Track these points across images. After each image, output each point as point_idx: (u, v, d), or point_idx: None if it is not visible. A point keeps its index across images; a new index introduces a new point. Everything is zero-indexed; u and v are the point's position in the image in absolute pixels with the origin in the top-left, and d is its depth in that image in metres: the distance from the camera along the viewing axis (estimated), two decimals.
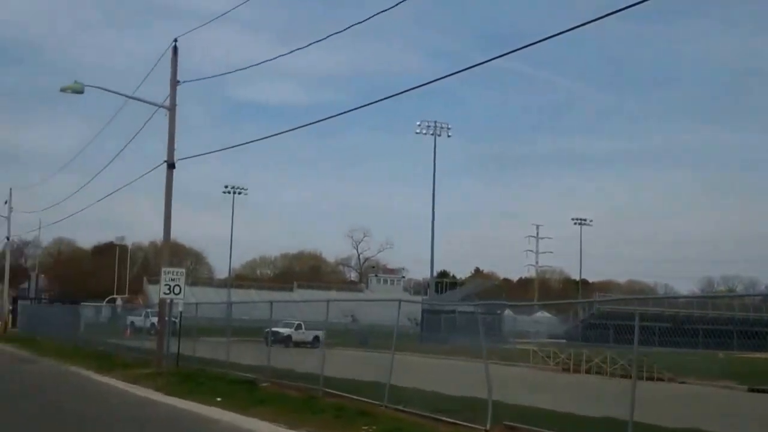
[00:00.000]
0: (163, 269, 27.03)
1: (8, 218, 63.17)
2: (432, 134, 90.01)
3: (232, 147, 29.63)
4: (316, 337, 60.64)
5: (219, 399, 21.35)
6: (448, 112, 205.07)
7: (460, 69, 20.20)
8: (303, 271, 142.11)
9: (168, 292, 26.70)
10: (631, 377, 40.94)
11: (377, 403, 19.49)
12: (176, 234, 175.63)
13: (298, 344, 60.12)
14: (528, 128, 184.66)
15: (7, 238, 63.36)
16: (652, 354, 43.35)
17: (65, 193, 79.98)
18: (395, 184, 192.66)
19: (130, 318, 62.25)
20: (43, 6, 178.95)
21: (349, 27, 19.92)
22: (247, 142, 31.27)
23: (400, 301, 22.71)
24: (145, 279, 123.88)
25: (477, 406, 17.67)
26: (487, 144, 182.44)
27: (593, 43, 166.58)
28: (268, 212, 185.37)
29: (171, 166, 30.89)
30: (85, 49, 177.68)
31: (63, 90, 30.01)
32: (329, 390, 22.07)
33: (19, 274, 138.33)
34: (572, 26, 14.54)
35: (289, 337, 58.16)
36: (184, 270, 27.22)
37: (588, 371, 44.18)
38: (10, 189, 63.43)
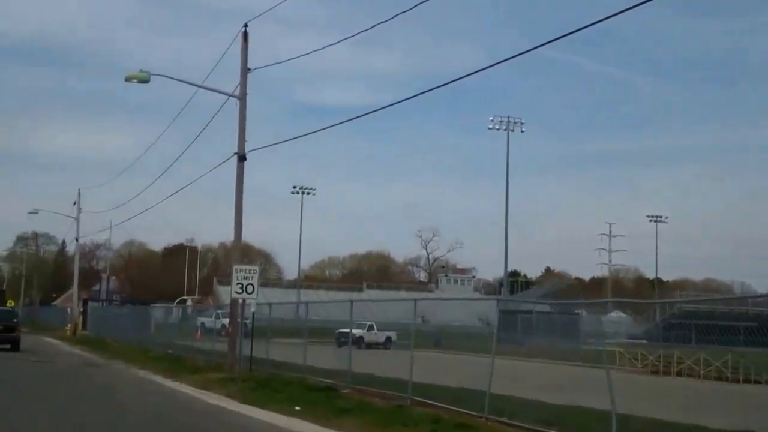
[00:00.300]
0: (235, 267, 25.09)
1: (77, 219, 62.20)
2: (505, 130, 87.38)
3: (305, 135, 27.82)
4: (389, 338, 58.83)
5: (298, 408, 19.29)
6: (522, 109, 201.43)
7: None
8: (371, 272, 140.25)
9: (240, 291, 24.76)
10: (726, 379, 38.00)
11: (475, 414, 17.25)
12: (246, 235, 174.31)
13: (370, 345, 58.30)
14: (601, 124, 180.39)
15: (76, 240, 62.43)
16: (747, 355, 40.63)
17: (134, 195, 79.24)
18: (464, 183, 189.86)
19: (201, 319, 60.96)
20: (102, 10, 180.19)
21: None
22: (317, 131, 29.24)
23: (498, 299, 20.34)
24: (215, 280, 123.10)
25: (593, 419, 15.37)
26: (558, 140, 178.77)
27: (668, 39, 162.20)
28: (336, 213, 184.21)
29: (242, 158, 29.03)
30: (149, 53, 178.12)
31: (128, 79, 28.30)
32: (418, 398, 19.89)
33: (90, 276, 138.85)
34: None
35: (361, 338, 56.42)
36: (257, 267, 25.20)
37: (679, 374, 41.59)
38: (79, 190, 62.59)
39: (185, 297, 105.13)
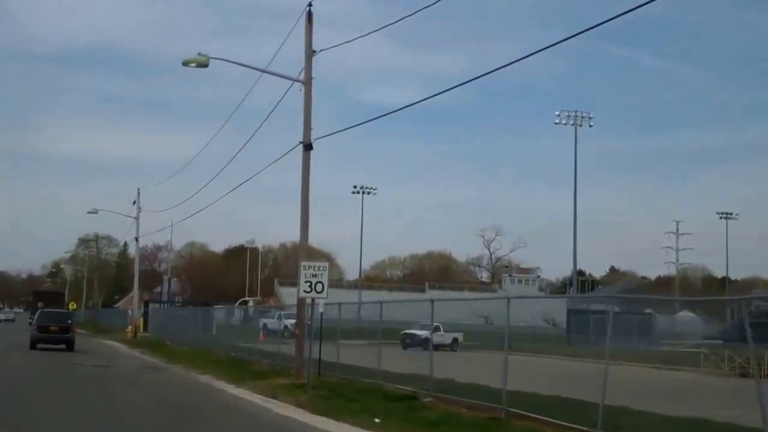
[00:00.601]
0: (303, 263, 22.82)
1: (137, 219, 60.70)
2: (572, 124, 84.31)
3: (373, 119, 25.26)
4: (455, 339, 56.35)
5: (377, 420, 17.02)
6: (587, 107, 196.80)
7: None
8: (432, 272, 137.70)
9: (309, 290, 22.46)
10: None
11: (584, 428, 14.79)
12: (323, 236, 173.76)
13: (437, 347, 55.89)
14: (667, 121, 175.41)
15: (136, 239, 60.88)
16: None
17: (194, 192, 77.80)
18: (527, 181, 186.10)
19: (263, 320, 59.20)
20: (151, 16, 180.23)
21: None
22: (379, 116, 26.65)
23: (612, 296, 17.70)
24: (276, 281, 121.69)
25: None
26: (624, 137, 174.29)
27: (734, 36, 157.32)
28: (396, 213, 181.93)
29: (308, 147, 26.84)
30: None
31: (186, 63, 26.26)
32: (514, 410, 17.45)
33: (152, 278, 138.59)
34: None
35: (426, 339, 54.16)
36: (326, 264, 22.85)
37: None
38: (138, 189, 61.11)
39: (247, 298, 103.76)
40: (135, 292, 64.90)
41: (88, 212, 61.92)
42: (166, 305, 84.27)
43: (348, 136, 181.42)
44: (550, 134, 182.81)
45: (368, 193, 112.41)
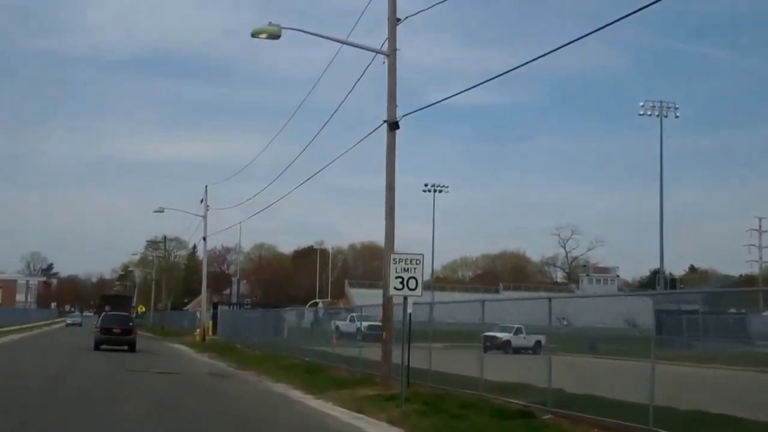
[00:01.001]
0: (392, 255, 19.59)
1: (204, 217, 58.16)
2: (657, 116, 79.87)
3: (459, 93, 21.84)
4: (538, 342, 52.71)
5: None
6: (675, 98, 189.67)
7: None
8: (505, 272, 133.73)
9: (400, 287, 19.24)
10: None
11: None
12: (374, 236, 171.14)
13: (518, 350, 52.53)
14: (749, 116, 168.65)
15: (204, 239, 58.34)
16: None
17: (263, 188, 75.49)
18: (603, 178, 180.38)
19: (335, 323, 56.93)
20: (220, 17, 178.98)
21: None
22: (469, 88, 23.25)
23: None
24: (346, 282, 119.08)
25: None
26: (701, 132, 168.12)
27: None
28: (468, 212, 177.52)
29: (393, 126, 23.63)
30: (272, 59, 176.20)
31: (255, 34, 23.25)
32: (659, 430, 14.03)
33: (221, 280, 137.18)
34: None
35: (507, 342, 50.91)
36: (421, 256, 19.55)
37: None
38: (206, 186, 58.53)
39: (317, 300, 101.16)
40: (203, 293, 62.40)
41: (155, 211, 59.66)
42: (235, 307, 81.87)
43: (417, 134, 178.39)
44: (626, 131, 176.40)
45: (440, 191, 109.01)
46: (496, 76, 21.23)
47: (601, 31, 16.10)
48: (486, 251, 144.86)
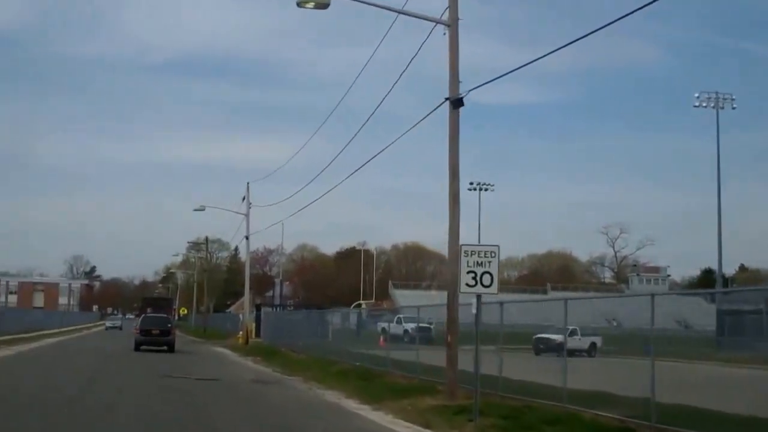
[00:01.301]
0: (464, 247, 17.00)
1: (247, 215, 55.78)
2: (713, 107, 76.40)
3: (525, 66, 18.99)
4: (593, 344, 50.09)
5: None
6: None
7: None
8: (551, 272, 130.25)
9: (473, 282, 16.62)
10: None
11: None
12: (418, 236, 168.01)
13: (572, 353, 49.94)
14: None
15: (246, 238, 55.96)
16: None
17: (305, 196, 73.09)
18: (652, 176, 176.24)
19: (381, 324, 54.61)
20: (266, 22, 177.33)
21: None
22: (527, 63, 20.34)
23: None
24: (390, 284, 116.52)
25: None
26: (751, 126, 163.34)
27: None
28: (513, 211, 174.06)
29: (456, 103, 20.98)
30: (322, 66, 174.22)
31: (301, 4, 20.74)
32: None
33: (264, 282, 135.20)
34: None
35: (561, 344, 48.14)
36: (497, 247, 16.92)
37: None
38: (248, 183, 56.13)
39: (361, 301, 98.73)
40: (246, 294, 60.02)
41: (195, 209, 57.36)
42: (278, 309, 79.58)
43: (467, 137, 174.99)
44: (676, 128, 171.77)
45: (485, 189, 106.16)
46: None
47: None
48: (532, 251, 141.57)
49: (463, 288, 16.94)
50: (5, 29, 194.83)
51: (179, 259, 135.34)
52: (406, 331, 55.57)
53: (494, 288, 16.80)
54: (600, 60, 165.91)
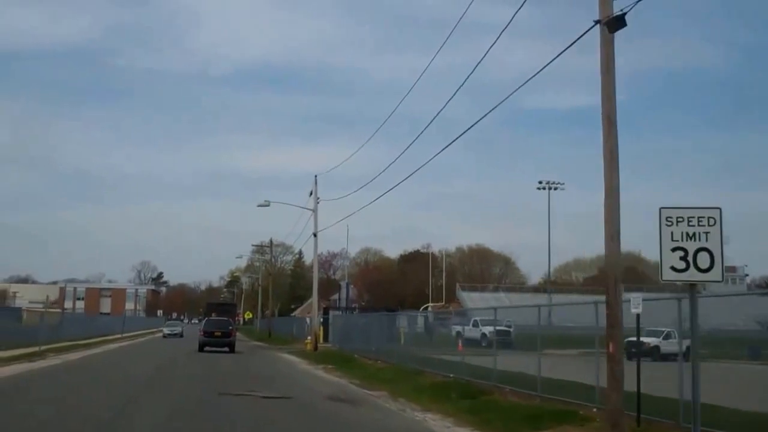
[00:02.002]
0: (664, 210, 10.84)
1: (314, 210, 49.79)
2: None
3: None
4: (689, 348, 43.71)
5: None
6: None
7: None
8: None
9: (684, 266, 10.47)
10: None
11: None
12: (483, 238, 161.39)
13: (666, 357, 43.40)
14: None
15: (314, 235, 49.88)
16: None
17: (369, 199, 67.61)
18: (723, 173, 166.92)
19: (455, 327, 48.60)
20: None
21: None
22: None
23: None
24: (457, 286, 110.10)
25: None
26: None
27: None
28: (581, 211, 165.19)
29: (614, 24, 14.70)
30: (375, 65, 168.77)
31: None
32: None
33: (328, 286, 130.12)
34: None
35: (656, 348, 41.71)
36: (718, 209, 10.55)
37: None
38: (315, 177, 50.15)
39: (429, 304, 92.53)
40: (314, 294, 53.88)
41: (259, 205, 51.29)
42: (346, 312, 73.70)
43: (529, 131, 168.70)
44: (748, 128, 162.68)
45: (555, 188, 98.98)
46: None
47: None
48: (600, 252, 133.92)
49: (667, 274, 10.76)
50: (75, 44, 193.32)
51: (244, 262, 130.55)
52: (484, 334, 50.15)
53: (717, 273, 10.54)
54: (657, 60, 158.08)
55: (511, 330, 34.94)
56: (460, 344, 37.96)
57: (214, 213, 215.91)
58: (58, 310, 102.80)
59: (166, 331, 78.25)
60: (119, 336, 72.17)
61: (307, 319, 69.83)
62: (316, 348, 48.78)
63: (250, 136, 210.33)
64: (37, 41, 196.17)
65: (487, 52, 20.46)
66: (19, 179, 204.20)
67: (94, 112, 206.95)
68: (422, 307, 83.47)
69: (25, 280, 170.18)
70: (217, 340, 46.22)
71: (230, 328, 48.39)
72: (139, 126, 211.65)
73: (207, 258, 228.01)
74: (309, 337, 51.96)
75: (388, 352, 39.25)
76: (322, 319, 66.46)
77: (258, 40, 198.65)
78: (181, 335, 75.50)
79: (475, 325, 42.99)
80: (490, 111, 21.46)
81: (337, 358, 41.07)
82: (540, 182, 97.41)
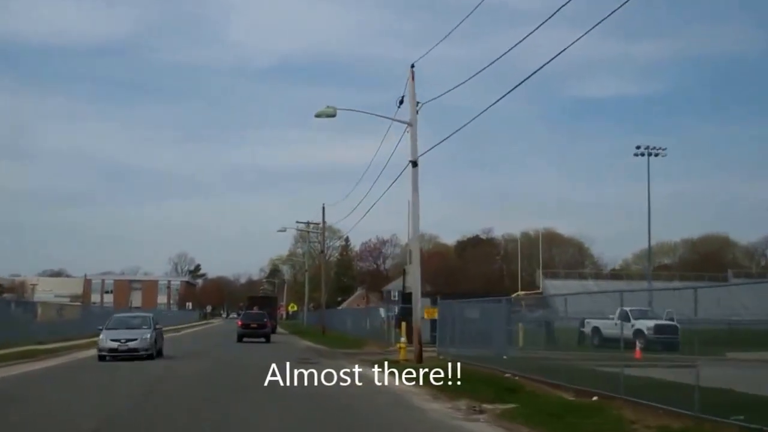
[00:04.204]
0: None
1: (412, 124, 26.40)
2: None
3: None
4: None
5: None
6: None
7: None
8: (704, 259, 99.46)
9: None
10: None
11: None
12: (551, 222, 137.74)
13: None
14: None
15: (413, 163, 27.12)
16: None
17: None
18: None
19: (591, 322, 30.46)
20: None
21: None
22: None
23: None
24: (538, 273, 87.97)
25: None
26: None
27: None
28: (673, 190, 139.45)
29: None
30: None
31: None
32: None
33: (377, 278, 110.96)
34: None
35: None
36: None
37: None
38: (412, 66, 27.91)
39: (519, 292, 70.48)
40: (415, 270, 31.51)
41: (318, 115, 28.20)
42: (446, 300, 50.97)
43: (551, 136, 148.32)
44: None
45: (656, 154, 75.79)
46: None
47: None
48: (686, 235, 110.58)
49: None
50: (111, 40, 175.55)
51: (285, 248, 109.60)
52: (639, 331, 30.63)
53: None
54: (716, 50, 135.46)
55: (678, 326, 26.84)
56: (638, 349, 22.59)
57: (252, 206, 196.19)
58: (78, 304, 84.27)
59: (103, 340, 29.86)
60: None
61: (381, 311, 48.20)
62: (420, 358, 26.32)
63: (287, 129, 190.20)
64: (80, 38, 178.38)
65: None
66: (58, 174, 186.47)
67: (133, 108, 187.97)
68: (513, 295, 61.15)
69: (58, 274, 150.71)
70: (253, 331, 46.71)
71: (265, 320, 48.39)
72: (179, 121, 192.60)
73: (247, 251, 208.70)
74: (402, 339, 29.78)
75: (521, 361, 22.85)
76: (390, 314, 45.40)
77: (297, 34, 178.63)
78: (147, 351, 29.33)
79: (625, 318, 23.02)
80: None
81: (476, 381, 19.40)
82: (638, 147, 74.50)
